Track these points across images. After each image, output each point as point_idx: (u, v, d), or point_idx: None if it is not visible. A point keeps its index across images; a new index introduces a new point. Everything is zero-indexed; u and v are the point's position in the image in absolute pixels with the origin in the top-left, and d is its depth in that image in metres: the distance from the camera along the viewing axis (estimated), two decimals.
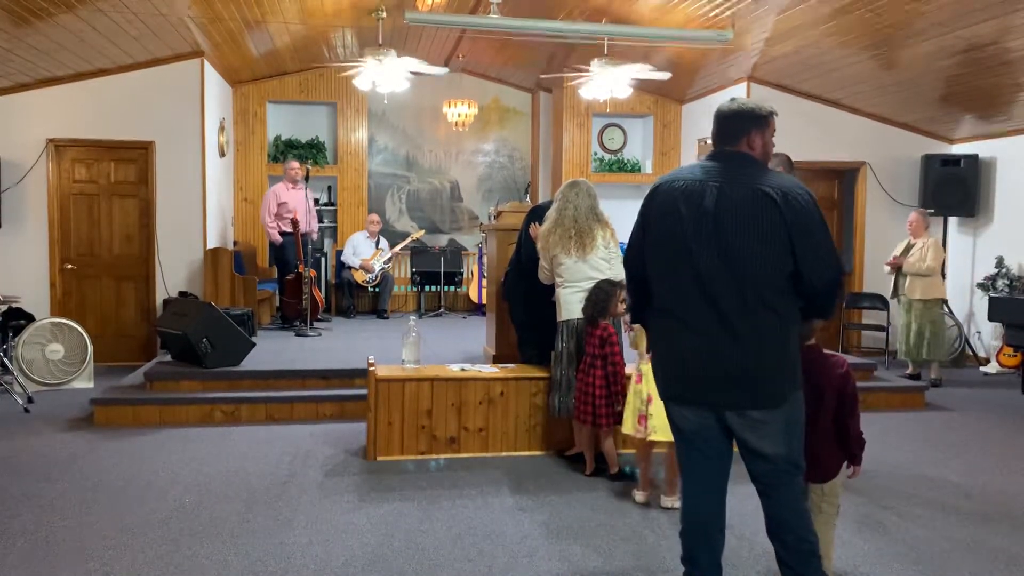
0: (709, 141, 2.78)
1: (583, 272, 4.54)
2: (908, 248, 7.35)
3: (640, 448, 4.20)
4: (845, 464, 3.00)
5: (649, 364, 4.07)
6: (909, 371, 7.38)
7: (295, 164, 8.53)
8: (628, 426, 4.16)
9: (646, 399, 4.05)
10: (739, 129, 2.63)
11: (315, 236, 8.96)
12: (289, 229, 8.18)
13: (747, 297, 2.47)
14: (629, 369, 4.34)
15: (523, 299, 5.12)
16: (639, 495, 4.13)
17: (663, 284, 2.64)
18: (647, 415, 4.04)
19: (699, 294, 2.52)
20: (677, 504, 3.96)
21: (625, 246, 2.89)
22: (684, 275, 2.55)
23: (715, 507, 2.72)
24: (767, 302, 2.48)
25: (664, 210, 2.61)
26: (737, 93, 8.50)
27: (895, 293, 7.47)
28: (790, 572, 2.64)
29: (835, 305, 2.68)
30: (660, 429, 4.00)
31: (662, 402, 2.78)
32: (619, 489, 4.31)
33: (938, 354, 7.28)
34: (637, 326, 3.50)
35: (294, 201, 8.31)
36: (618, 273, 4.61)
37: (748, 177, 2.54)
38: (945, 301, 8.25)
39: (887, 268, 7.50)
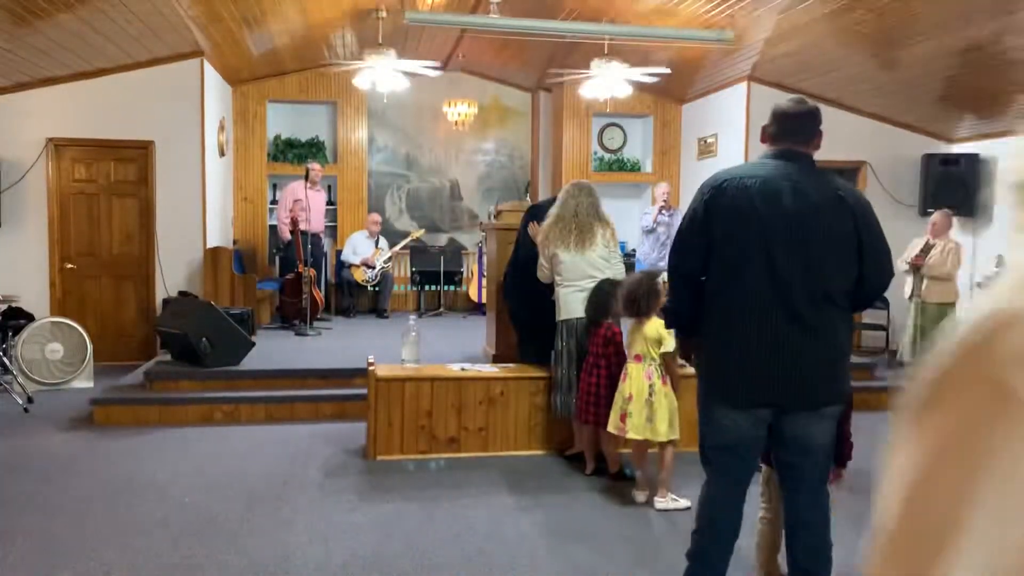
0: (765, 141, 2.71)
1: (582, 270, 4.53)
2: (926, 248, 7.13)
3: (636, 448, 4.21)
4: (834, 468, 3.02)
5: (636, 364, 4.10)
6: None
7: (317, 166, 8.70)
8: (612, 424, 4.16)
9: (627, 397, 4.07)
10: (811, 129, 2.63)
11: (323, 236, 9.09)
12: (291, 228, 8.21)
13: (819, 297, 2.49)
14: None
15: (523, 299, 5.11)
16: (639, 495, 4.13)
17: (734, 283, 2.55)
18: (627, 413, 4.05)
19: (774, 293, 2.49)
20: (671, 505, 3.98)
21: (675, 239, 2.78)
22: (759, 273, 2.51)
23: (737, 511, 2.72)
24: (836, 302, 2.52)
25: (737, 206, 2.54)
26: (737, 93, 8.50)
27: (912, 294, 7.24)
28: (802, 574, 2.64)
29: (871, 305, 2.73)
30: (636, 428, 4.03)
31: (706, 406, 2.69)
32: (619, 489, 4.31)
33: None
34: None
35: (312, 201, 8.35)
36: (618, 272, 4.61)
37: (821, 180, 2.57)
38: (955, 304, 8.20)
39: (905, 267, 7.24)
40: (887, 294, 8.41)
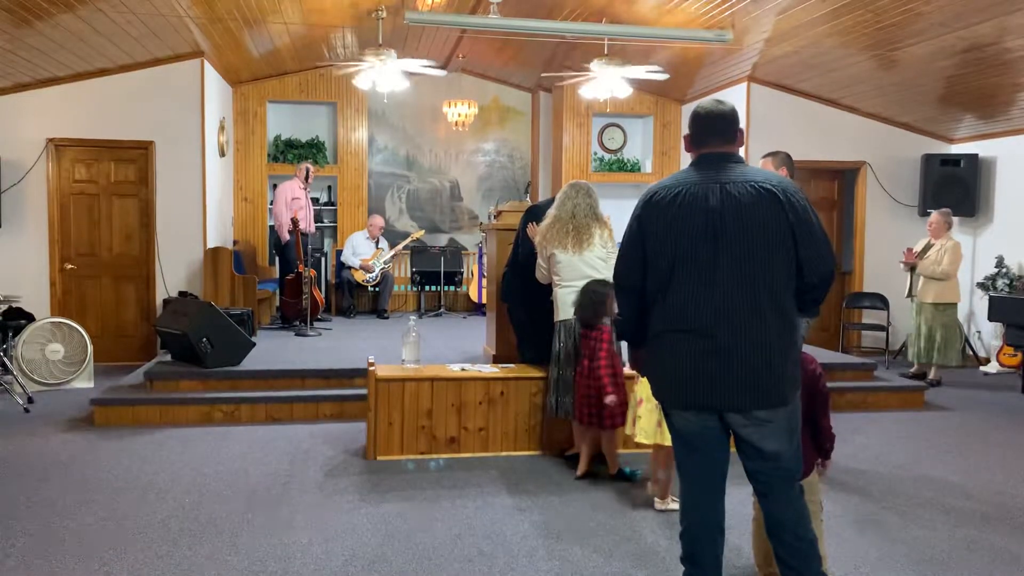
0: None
1: (579, 270, 4.53)
2: (926, 248, 7.17)
3: (655, 452, 4.11)
4: (819, 461, 3.04)
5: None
6: (914, 370, 7.34)
7: (310, 167, 8.65)
8: (629, 426, 4.15)
9: (637, 402, 4.06)
10: (730, 128, 2.65)
11: (313, 234, 9.05)
12: (290, 228, 8.21)
13: (757, 296, 2.49)
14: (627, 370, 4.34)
15: (521, 299, 5.11)
16: (660, 503, 4.04)
17: (667, 290, 2.60)
18: (637, 417, 4.05)
19: (708, 296, 2.51)
20: (670, 506, 3.97)
21: (618, 253, 2.83)
22: (691, 279, 2.54)
23: (715, 508, 2.72)
24: (776, 301, 2.50)
25: (666, 216, 2.58)
26: (737, 93, 8.50)
27: (910, 292, 7.28)
28: (790, 572, 2.64)
29: (823, 301, 2.68)
30: (646, 432, 4.00)
31: (661, 409, 2.76)
32: (619, 489, 4.31)
33: (948, 359, 7.12)
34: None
35: (306, 201, 8.37)
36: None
37: (747, 175, 2.56)
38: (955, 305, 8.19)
39: (902, 265, 7.31)
40: (887, 295, 8.48)
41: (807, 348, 3.59)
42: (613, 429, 4.41)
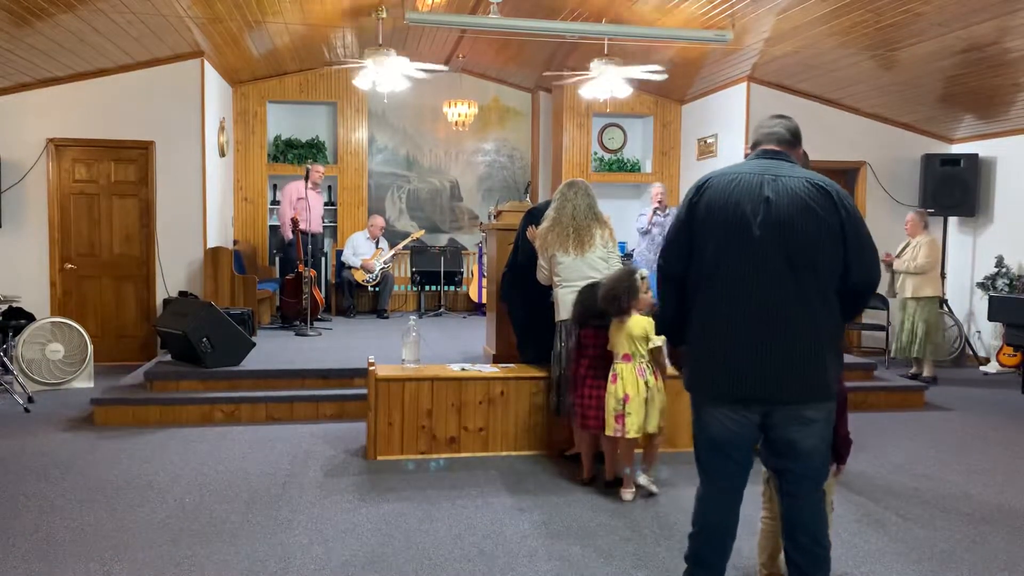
0: (750, 146, 2.83)
1: (581, 271, 4.52)
2: (905, 247, 7.38)
3: (626, 447, 4.18)
4: (833, 464, 3.03)
5: (627, 364, 4.09)
6: (913, 371, 7.38)
7: (320, 168, 8.75)
8: (608, 427, 4.14)
9: (623, 398, 4.07)
10: (797, 140, 2.72)
11: (319, 233, 9.11)
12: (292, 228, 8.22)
13: (807, 288, 2.49)
14: None
15: (520, 300, 5.11)
16: (627, 493, 4.14)
17: (712, 278, 2.57)
18: (624, 414, 4.06)
19: (759, 285, 2.50)
20: (650, 486, 4.11)
21: (663, 242, 2.82)
22: (744, 266, 2.51)
23: (733, 512, 2.72)
24: (824, 295, 2.51)
25: (719, 203, 2.57)
26: (737, 93, 8.51)
27: (891, 291, 7.50)
28: (799, 574, 2.64)
29: (863, 309, 2.70)
30: (637, 427, 4.07)
31: (695, 407, 2.70)
32: (618, 491, 4.30)
33: (931, 353, 7.23)
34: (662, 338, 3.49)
35: (312, 201, 8.37)
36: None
37: (800, 171, 2.59)
38: (943, 301, 8.27)
39: (882, 266, 7.48)
40: (887, 295, 8.49)
41: None
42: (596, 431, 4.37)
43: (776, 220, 2.49)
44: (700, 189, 2.65)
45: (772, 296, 2.49)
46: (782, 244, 2.48)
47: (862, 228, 2.55)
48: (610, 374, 4.17)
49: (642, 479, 4.19)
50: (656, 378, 4.14)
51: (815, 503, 2.64)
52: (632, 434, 4.06)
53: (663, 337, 3.19)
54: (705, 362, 2.63)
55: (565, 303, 4.57)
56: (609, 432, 4.15)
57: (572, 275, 4.55)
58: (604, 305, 4.15)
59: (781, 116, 2.77)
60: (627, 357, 4.11)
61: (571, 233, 4.53)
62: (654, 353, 4.11)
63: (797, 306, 2.48)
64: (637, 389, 4.06)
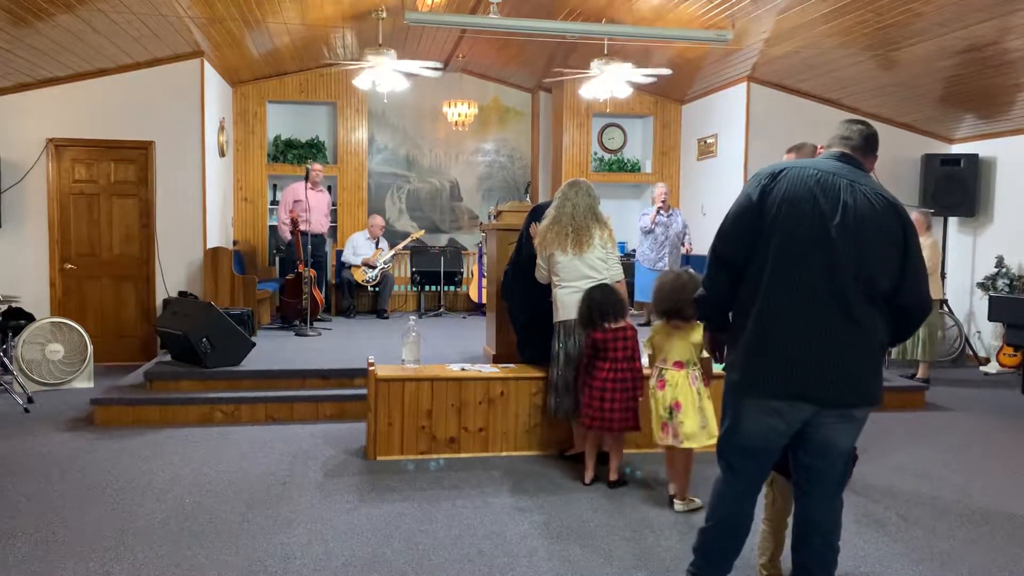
0: (822, 145, 2.83)
1: (579, 271, 4.52)
2: None
3: (683, 460, 4.05)
4: None
5: (679, 371, 3.96)
6: (915, 373, 7.36)
7: (318, 166, 8.73)
8: (658, 434, 4.04)
9: (672, 406, 3.97)
10: (874, 148, 2.70)
11: (326, 236, 9.17)
12: (291, 228, 8.21)
13: (867, 295, 2.49)
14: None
15: (522, 299, 5.10)
16: (680, 504, 4.00)
17: (780, 271, 2.51)
18: (677, 422, 3.95)
19: (825, 284, 2.47)
20: (691, 507, 3.95)
21: (722, 223, 2.69)
22: (813, 263, 2.48)
23: (750, 510, 2.73)
24: (879, 304, 2.51)
25: (795, 195, 2.51)
26: (737, 93, 8.51)
27: None
28: (805, 575, 2.64)
29: (912, 333, 2.67)
30: (694, 436, 3.93)
31: (736, 405, 2.64)
32: (619, 489, 4.30)
33: (930, 355, 7.20)
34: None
35: (313, 201, 8.37)
36: (615, 274, 4.59)
37: (874, 183, 2.58)
38: (944, 302, 8.27)
39: None
40: None
41: None
42: (622, 432, 4.35)
43: (851, 225, 2.46)
44: (776, 176, 2.56)
45: (838, 299, 2.46)
46: (853, 250, 2.46)
47: (919, 251, 2.56)
48: (655, 380, 4.03)
49: (679, 506, 4.00)
50: (706, 386, 4.04)
51: (834, 505, 2.66)
52: (689, 444, 3.93)
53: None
54: (760, 355, 2.54)
55: (564, 303, 4.56)
56: (660, 439, 4.03)
57: (570, 275, 4.54)
58: (668, 309, 3.96)
59: (859, 122, 2.72)
60: (679, 364, 3.99)
61: (569, 232, 4.52)
62: (703, 360, 4.03)
63: (860, 312, 2.48)
64: (691, 397, 3.96)
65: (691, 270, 4.05)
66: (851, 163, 2.63)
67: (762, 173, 2.61)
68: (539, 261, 4.71)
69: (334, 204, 10.21)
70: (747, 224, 2.57)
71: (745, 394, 2.59)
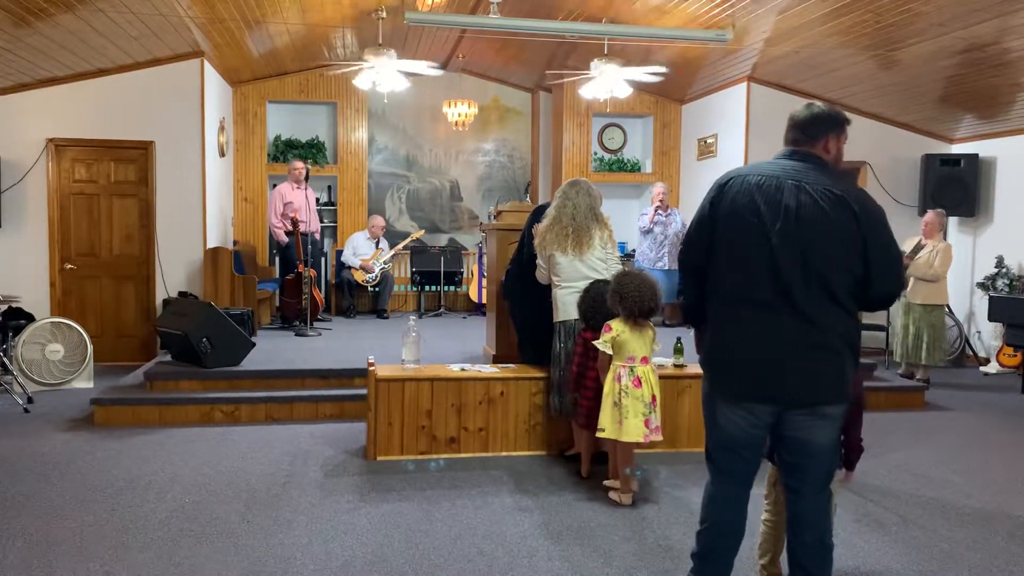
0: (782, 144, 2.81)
1: (579, 272, 4.52)
2: (917, 248, 7.16)
3: (627, 449, 4.11)
4: (840, 467, 3.01)
5: (647, 366, 4.05)
6: (901, 371, 7.36)
7: (299, 164, 8.59)
8: (636, 434, 4.01)
9: (650, 401, 4.04)
10: (817, 132, 2.66)
11: (317, 235, 9.07)
12: (291, 228, 8.20)
13: (822, 294, 2.49)
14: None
15: (522, 298, 5.10)
16: (626, 497, 4.08)
17: (736, 276, 2.59)
18: (655, 416, 4.05)
19: (777, 289, 2.50)
20: (625, 503, 4.03)
21: (686, 234, 2.84)
22: (761, 269, 2.53)
23: (742, 510, 2.73)
24: (839, 300, 2.51)
25: (739, 202, 2.58)
26: (737, 93, 8.50)
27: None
28: (802, 573, 2.64)
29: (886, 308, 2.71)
30: (607, 428, 4.07)
31: (709, 404, 2.70)
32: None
33: (935, 359, 7.15)
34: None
35: (298, 201, 8.34)
36: (615, 275, 4.59)
37: (826, 180, 2.56)
38: (948, 307, 8.25)
39: None
40: None
41: None
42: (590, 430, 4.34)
43: (792, 230, 2.49)
44: (723, 188, 2.66)
45: (787, 302, 2.49)
46: (796, 253, 2.48)
47: (883, 239, 2.52)
48: (628, 379, 4.03)
49: (616, 497, 4.12)
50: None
51: (822, 501, 2.66)
52: (602, 435, 4.10)
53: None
54: (722, 362, 2.64)
55: (564, 304, 4.57)
56: (636, 438, 4.02)
57: (570, 276, 4.54)
58: (631, 307, 4.03)
59: (809, 109, 2.71)
60: (645, 360, 4.07)
61: (570, 233, 4.52)
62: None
63: (814, 312, 2.48)
64: (658, 391, 4.11)
65: (648, 274, 4.19)
66: (800, 159, 2.63)
67: (715, 183, 2.72)
68: (539, 261, 4.71)
69: (333, 204, 10.21)
70: (704, 234, 2.70)
71: (714, 399, 2.69)
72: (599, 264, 4.54)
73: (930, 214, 7.26)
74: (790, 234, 2.49)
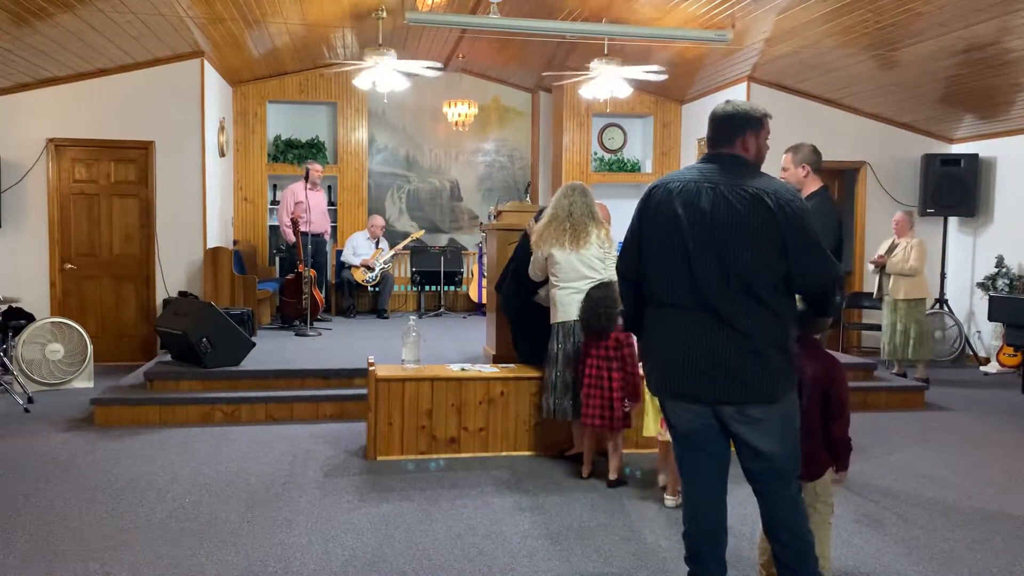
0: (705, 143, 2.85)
1: (577, 270, 4.51)
2: (892, 247, 7.30)
3: (663, 449, 4.20)
4: (833, 468, 3.01)
5: None
6: (895, 371, 7.37)
7: (318, 166, 8.72)
8: (651, 429, 4.18)
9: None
10: (733, 131, 2.67)
11: (326, 236, 9.16)
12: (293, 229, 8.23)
13: (743, 295, 2.51)
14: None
15: (515, 292, 5.08)
16: (670, 500, 4.06)
17: (660, 283, 2.65)
18: (646, 413, 4.13)
19: (696, 292, 2.55)
20: (680, 504, 3.96)
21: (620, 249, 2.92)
22: (681, 274, 2.58)
23: (717, 507, 2.73)
24: (762, 300, 2.51)
25: (660, 210, 2.64)
26: (737, 93, 8.50)
27: (879, 293, 7.45)
28: (787, 571, 2.65)
29: (832, 305, 2.69)
30: (649, 426, 4.17)
31: (660, 401, 2.81)
32: (619, 489, 4.30)
33: (923, 354, 7.22)
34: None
35: (313, 201, 8.37)
36: (612, 273, 4.59)
37: (742, 179, 2.57)
38: (943, 301, 8.28)
39: (871, 267, 7.54)
40: (874, 297, 8.50)
41: None
42: (622, 431, 4.40)
43: (706, 234, 2.52)
44: (648, 197, 2.71)
45: (705, 306, 2.54)
46: (715, 256, 2.51)
47: (800, 233, 2.49)
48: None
49: (669, 501, 4.09)
50: None
51: (789, 499, 2.66)
52: (647, 433, 4.21)
53: None
54: (652, 363, 2.75)
55: (563, 304, 4.56)
56: (651, 433, 4.21)
57: (569, 275, 4.53)
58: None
59: (723, 108, 2.71)
60: None
61: (567, 228, 4.54)
62: None
63: (737, 314, 2.50)
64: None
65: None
66: (719, 162, 2.65)
67: (645, 190, 2.77)
68: (534, 258, 4.70)
69: (332, 204, 10.21)
70: (633, 245, 2.75)
71: (660, 395, 2.79)
72: (597, 263, 4.54)
73: (899, 214, 7.48)
74: (705, 238, 2.53)
